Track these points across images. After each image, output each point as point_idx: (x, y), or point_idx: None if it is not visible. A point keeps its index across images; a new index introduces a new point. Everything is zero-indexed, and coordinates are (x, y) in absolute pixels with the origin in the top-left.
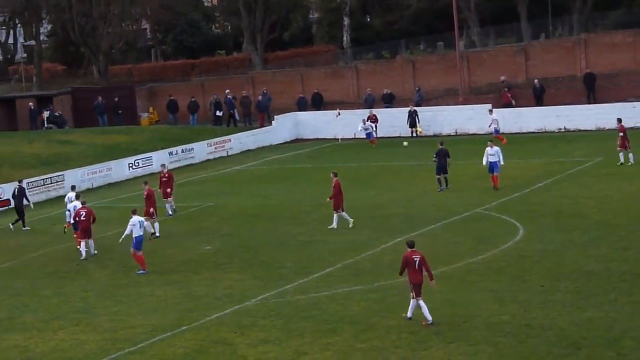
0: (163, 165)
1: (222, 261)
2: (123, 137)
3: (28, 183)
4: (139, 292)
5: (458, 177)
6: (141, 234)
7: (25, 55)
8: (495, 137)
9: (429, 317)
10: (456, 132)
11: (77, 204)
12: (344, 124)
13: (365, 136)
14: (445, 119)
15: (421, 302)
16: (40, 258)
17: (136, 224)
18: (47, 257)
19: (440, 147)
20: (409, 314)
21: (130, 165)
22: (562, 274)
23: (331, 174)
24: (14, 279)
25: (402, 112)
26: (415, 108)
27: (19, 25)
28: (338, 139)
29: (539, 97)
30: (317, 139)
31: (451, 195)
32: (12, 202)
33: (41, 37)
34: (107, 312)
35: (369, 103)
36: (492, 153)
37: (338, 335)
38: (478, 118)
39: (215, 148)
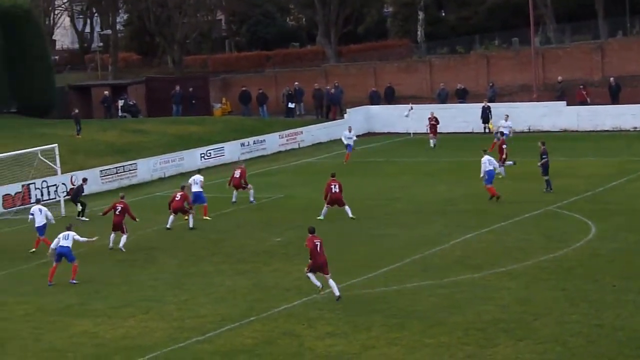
0: (239, 161)
1: (292, 253)
2: (196, 127)
3: (101, 171)
4: (208, 282)
5: (529, 175)
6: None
7: (101, 44)
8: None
9: (337, 293)
10: (529, 129)
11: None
12: (416, 118)
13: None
14: (519, 116)
15: (331, 281)
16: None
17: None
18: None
19: (543, 147)
20: (337, 293)
21: (202, 155)
22: (635, 273)
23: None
24: (85, 265)
25: (475, 108)
26: (488, 104)
27: (95, 14)
28: (410, 133)
29: (614, 96)
30: (389, 133)
31: (522, 193)
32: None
33: (117, 27)
34: (176, 301)
35: (442, 98)
36: (485, 161)
37: (406, 330)
38: (552, 115)
39: (287, 140)
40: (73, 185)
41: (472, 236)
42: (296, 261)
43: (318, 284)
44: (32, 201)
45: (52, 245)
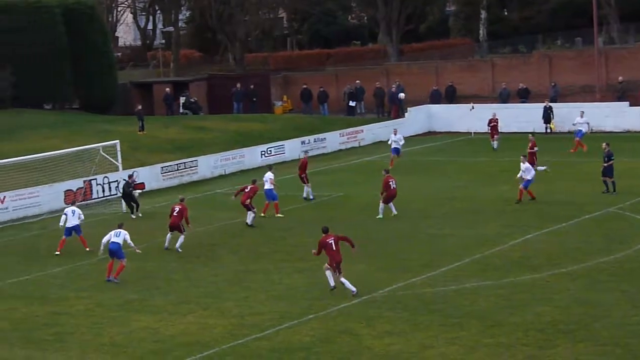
0: (305, 152)
1: (350, 251)
2: (257, 124)
3: (162, 168)
4: (268, 279)
5: (591, 175)
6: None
7: (163, 41)
8: (576, 140)
9: (353, 289)
10: (592, 130)
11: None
12: (477, 117)
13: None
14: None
15: (342, 279)
16: (171, 241)
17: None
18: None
19: (608, 148)
20: (353, 290)
21: (263, 152)
22: None
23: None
24: (146, 261)
25: (537, 108)
26: (550, 104)
27: (158, 11)
28: (471, 132)
29: None
30: (450, 132)
31: (583, 194)
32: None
33: (179, 24)
34: (235, 298)
35: (504, 97)
36: (524, 169)
37: (464, 330)
38: (614, 116)
39: (348, 138)
40: (131, 180)
41: (532, 237)
42: (355, 260)
43: (332, 284)
44: (93, 197)
45: (103, 241)
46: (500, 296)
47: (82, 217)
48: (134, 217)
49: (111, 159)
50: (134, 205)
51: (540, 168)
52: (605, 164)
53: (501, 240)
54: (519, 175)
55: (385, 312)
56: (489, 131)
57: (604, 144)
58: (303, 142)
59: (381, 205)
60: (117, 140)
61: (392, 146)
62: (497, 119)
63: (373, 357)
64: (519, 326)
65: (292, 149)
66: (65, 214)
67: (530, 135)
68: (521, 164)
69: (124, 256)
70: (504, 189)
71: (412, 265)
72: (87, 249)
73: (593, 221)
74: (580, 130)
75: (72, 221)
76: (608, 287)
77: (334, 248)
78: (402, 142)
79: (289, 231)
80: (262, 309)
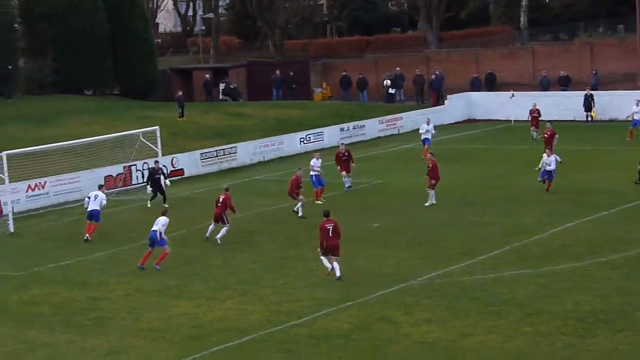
0: (342, 144)
1: (389, 239)
2: (296, 111)
3: (201, 154)
4: (306, 266)
5: (633, 164)
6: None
7: (203, 27)
8: (631, 129)
9: (339, 274)
10: (633, 118)
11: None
12: (517, 105)
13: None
14: (623, 105)
15: (335, 264)
16: (212, 232)
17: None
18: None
19: None
20: (337, 274)
21: (302, 139)
22: None
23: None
24: (185, 247)
25: (577, 96)
26: (591, 92)
27: None
28: (510, 120)
29: None
30: (490, 120)
31: (625, 183)
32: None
33: (219, 10)
34: (273, 285)
35: (544, 85)
36: (549, 162)
37: (503, 319)
38: None
39: (387, 125)
40: (157, 167)
41: (572, 225)
42: (393, 247)
43: (329, 266)
44: (132, 182)
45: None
46: (540, 284)
47: (104, 202)
48: (166, 205)
49: (151, 145)
50: (162, 195)
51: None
52: None
53: (541, 228)
54: (539, 166)
55: (423, 300)
56: (529, 120)
57: None
58: (342, 129)
59: (430, 191)
60: (157, 127)
61: (423, 136)
62: (538, 110)
63: (411, 345)
64: (558, 315)
65: (331, 136)
66: (88, 198)
67: (548, 123)
68: (544, 156)
69: (164, 243)
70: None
71: (451, 253)
72: (87, 237)
73: (634, 210)
74: (638, 120)
75: (92, 205)
76: None
77: (331, 234)
78: (434, 132)
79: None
80: (300, 296)
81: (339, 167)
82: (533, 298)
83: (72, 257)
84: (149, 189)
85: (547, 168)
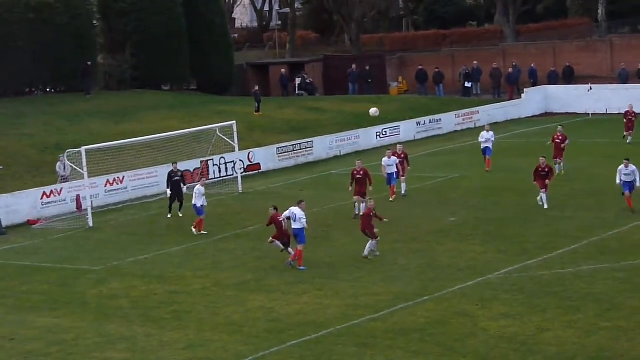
0: (400, 144)
1: (466, 233)
2: (372, 105)
3: (278, 149)
4: (382, 260)
5: None
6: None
7: (279, 22)
8: None
9: (290, 261)
10: None
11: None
12: (595, 99)
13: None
14: None
15: (290, 249)
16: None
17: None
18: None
19: None
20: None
21: (378, 134)
22: None
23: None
24: (261, 241)
25: None
26: None
27: None
28: (588, 114)
29: None
30: (567, 113)
31: None
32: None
33: (296, 5)
34: (350, 279)
35: (623, 78)
36: (628, 173)
37: (581, 313)
38: None
39: (463, 119)
40: (175, 169)
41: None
42: (470, 241)
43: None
44: (210, 177)
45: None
46: (619, 279)
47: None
48: (181, 214)
49: (227, 140)
50: (180, 201)
51: (557, 167)
52: None
53: (620, 222)
54: (617, 181)
55: (501, 294)
56: (625, 124)
57: None
58: (418, 123)
59: (543, 195)
60: (234, 121)
61: (484, 145)
62: (634, 113)
63: (488, 339)
64: (638, 310)
65: (407, 130)
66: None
67: (559, 127)
68: (622, 167)
69: (304, 241)
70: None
71: (529, 248)
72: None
73: None
74: None
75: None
76: None
77: (284, 227)
78: (493, 139)
79: (403, 212)
80: (377, 290)
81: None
82: (612, 293)
83: (150, 251)
84: (168, 192)
85: (625, 179)
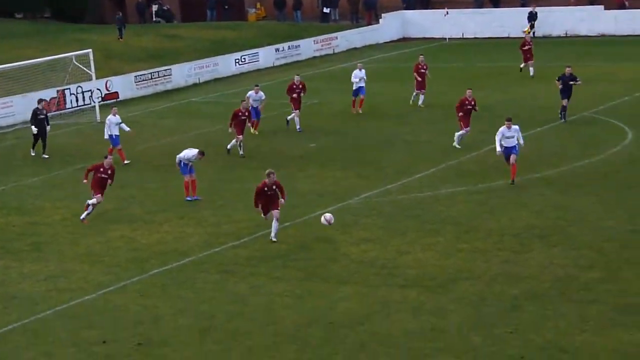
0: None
1: (326, 159)
2: (230, 32)
3: (136, 77)
4: (243, 188)
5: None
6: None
7: None
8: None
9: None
10: (566, 34)
11: None
12: (451, 23)
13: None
14: (556, 21)
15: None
16: (148, 151)
17: None
18: (155, 151)
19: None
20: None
21: (237, 60)
22: None
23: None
24: (123, 171)
25: (510, 13)
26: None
27: None
28: (445, 38)
29: None
30: (425, 38)
31: (559, 98)
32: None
33: None
34: (211, 207)
35: (479, 3)
36: (511, 135)
37: (440, 236)
38: (589, 20)
39: (322, 45)
40: (41, 106)
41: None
42: (331, 167)
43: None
44: (67, 106)
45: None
46: (476, 201)
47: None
48: (46, 156)
49: (84, 68)
50: (43, 141)
51: (421, 97)
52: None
53: (477, 145)
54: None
55: (361, 219)
56: (522, 56)
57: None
58: (277, 50)
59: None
60: (90, 50)
61: (357, 85)
62: (532, 41)
63: (350, 264)
64: (495, 231)
65: (266, 56)
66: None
67: (420, 56)
68: (503, 128)
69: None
70: (480, 94)
71: (389, 172)
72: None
73: (568, 126)
74: None
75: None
76: (582, 191)
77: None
78: (365, 78)
79: (263, 139)
80: (238, 218)
81: (291, 102)
82: (470, 215)
83: (7, 182)
84: (34, 128)
85: (506, 144)
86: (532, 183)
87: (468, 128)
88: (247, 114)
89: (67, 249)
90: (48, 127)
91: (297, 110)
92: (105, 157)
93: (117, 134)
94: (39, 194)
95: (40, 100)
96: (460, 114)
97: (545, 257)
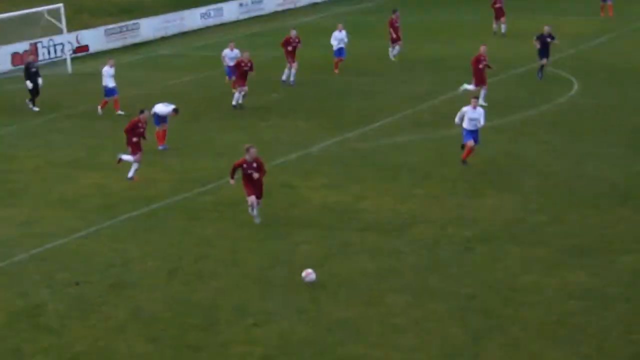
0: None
1: (288, 109)
2: None
3: (106, 30)
4: (209, 137)
5: (516, 31)
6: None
7: None
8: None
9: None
10: None
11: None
12: None
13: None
14: None
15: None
16: (119, 102)
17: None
18: (125, 102)
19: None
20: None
21: (203, 15)
22: (615, 128)
23: None
24: (93, 120)
25: None
26: None
27: None
28: None
29: None
30: None
31: (509, 50)
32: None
33: None
34: (179, 155)
35: None
36: (475, 117)
37: (397, 182)
38: None
39: (283, 0)
40: (31, 59)
41: (460, 92)
42: (292, 117)
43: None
44: (40, 59)
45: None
46: (431, 149)
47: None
48: (37, 109)
49: (56, 22)
50: (35, 94)
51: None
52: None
53: (431, 95)
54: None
55: (322, 167)
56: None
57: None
58: (241, 5)
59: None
60: (61, 4)
61: (337, 46)
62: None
63: (311, 208)
64: (448, 177)
65: (230, 11)
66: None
67: (395, 12)
68: (468, 108)
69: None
70: (436, 47)
71: (348, 122)
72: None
73: (517, 77)
74: None
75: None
76: (531, 139)
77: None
78: (346, 40)
79: (225, 91)
80: (204, 165)
81: (286, 55)
82: (425, 162)
83: None
84: (28, 83)
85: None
86: (484, 131)
87: (485, 86)
88: (249, 64)
89: (40, 196)
90: (40, 80)
91: (294, 64)
92: (141, 112)
93: (113, 85)
94: (12, 143)
95: (29, 54)
96: (479, 67)
97: (495, 202)
